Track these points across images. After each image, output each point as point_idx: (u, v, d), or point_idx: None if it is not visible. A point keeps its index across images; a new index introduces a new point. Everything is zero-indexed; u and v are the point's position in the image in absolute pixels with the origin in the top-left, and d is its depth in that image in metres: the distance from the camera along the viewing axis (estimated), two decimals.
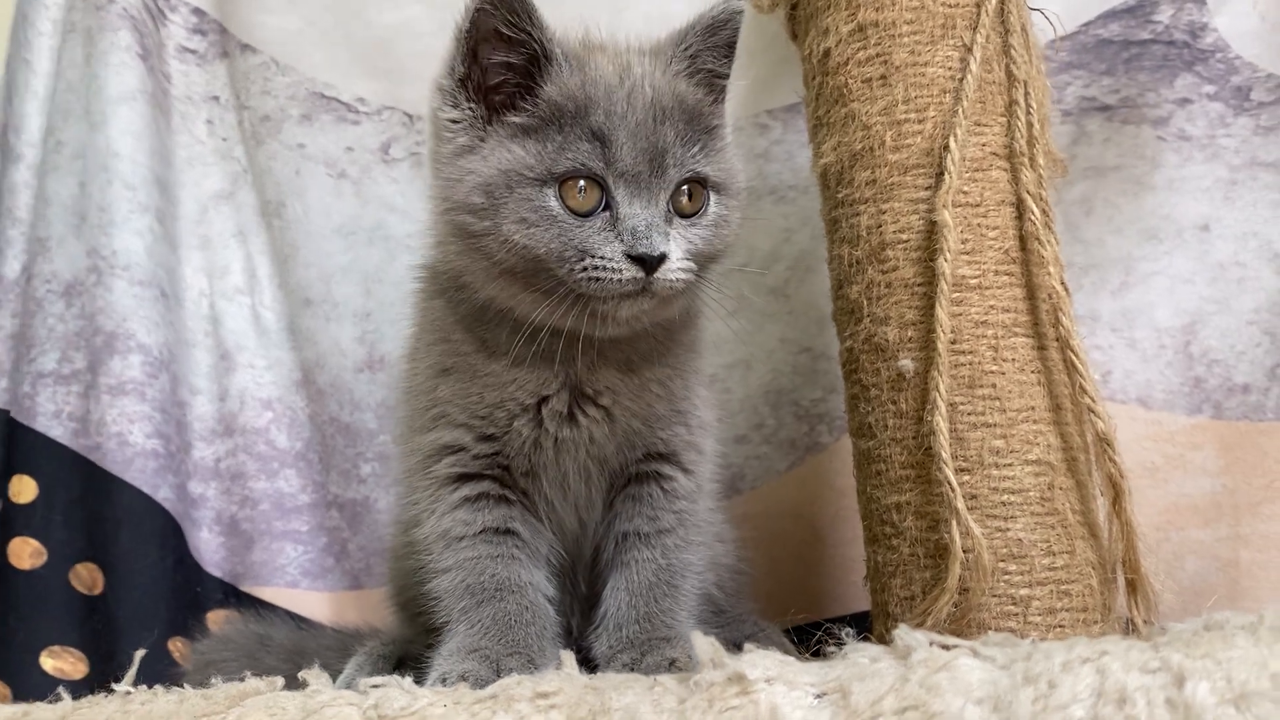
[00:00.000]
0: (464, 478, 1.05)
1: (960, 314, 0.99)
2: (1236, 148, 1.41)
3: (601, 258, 0.93)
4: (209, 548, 1.69)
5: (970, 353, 0.99)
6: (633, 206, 0.95)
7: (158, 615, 1.56)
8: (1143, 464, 1.36)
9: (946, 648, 0.71)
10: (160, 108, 1.72)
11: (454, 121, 0.99)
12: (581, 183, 0.95)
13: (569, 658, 0.86)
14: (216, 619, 1.67)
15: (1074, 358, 0.97)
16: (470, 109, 0.98)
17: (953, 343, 0.98)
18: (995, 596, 0.94)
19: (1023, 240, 1.01)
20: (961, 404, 0.98)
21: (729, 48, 1.03)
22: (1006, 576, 0.94)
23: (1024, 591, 0.94)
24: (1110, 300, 1.41)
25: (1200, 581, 1.35)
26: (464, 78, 0.98)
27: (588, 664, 0.95)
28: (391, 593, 1.29)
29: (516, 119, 0.97)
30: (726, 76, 1.04)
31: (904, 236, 1.02)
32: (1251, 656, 0.64)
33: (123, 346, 1.61)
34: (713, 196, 1.00)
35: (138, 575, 1.56)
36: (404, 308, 1.69)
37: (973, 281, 1.00)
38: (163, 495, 1.60)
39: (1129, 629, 0.97)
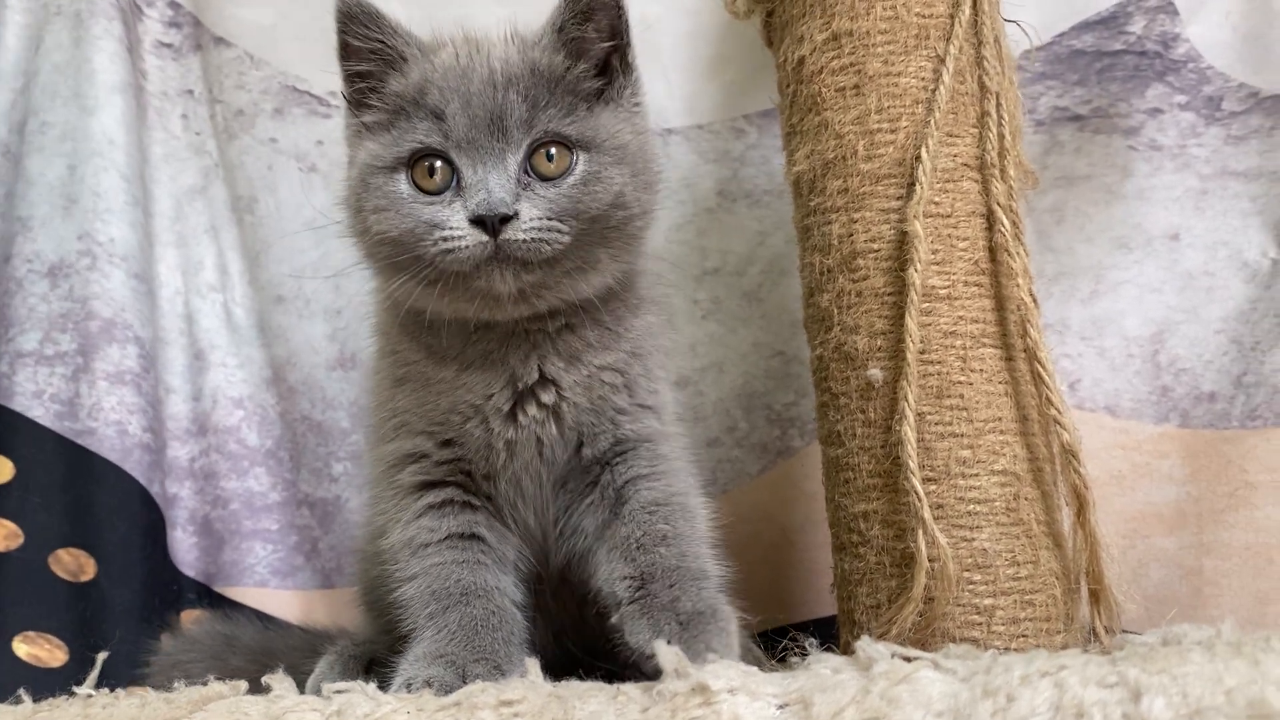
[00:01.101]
0: (428, 485, 1.05)
1: (929, 324, 0.99)
2: (1207, 157, 1.42)
3: (448, 228, 0.94)
4: (183, 548, 1.68)
5: (939, 363, 0.99)
6: (477, 173, 0.96)
7: (150, 607, 1.56)
8: (1110, 472, 1.37)
9: (908, 659, 0.72)
10: (138, 103, 1.72)
11: (348, 126, 1.06)
12: (429, 162, 0.98)
13: (534, 665, 0.86)
14: (190, 619, 1.67)
15: (1041, 369, 0.98)
16: (350, 116, 1.05)
17: (921, 353, 0.99)
18: (960, 606, 0.95)
19: (992, 251, 1.02)
20: (929, 414, 0.98)
21: (610, 19, 1.03)
22: (971, 586, 0.95)
23: (988, 601, 0.95)
24: (1080, 308, 1.43)
25: (1164, 589, 1.36)
26: (344, 91, 1.05)
27: (553, 671, 0.94)
28: (361, 592, 1.28)
29: (369, 117, 1.02)
30: (606, 44, 1.03)
31: (875, 246, 1.02)
32: (1207, 672, 0.65)
33: (121, 336, 1.61)
34: (581, 155, 0.99)
35: (134, 566, 1.55)
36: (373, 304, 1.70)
37: (942, 292, 1.00)
38: (155, 490, 1.61)
39: (1092, 638, 0.98)
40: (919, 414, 0.97)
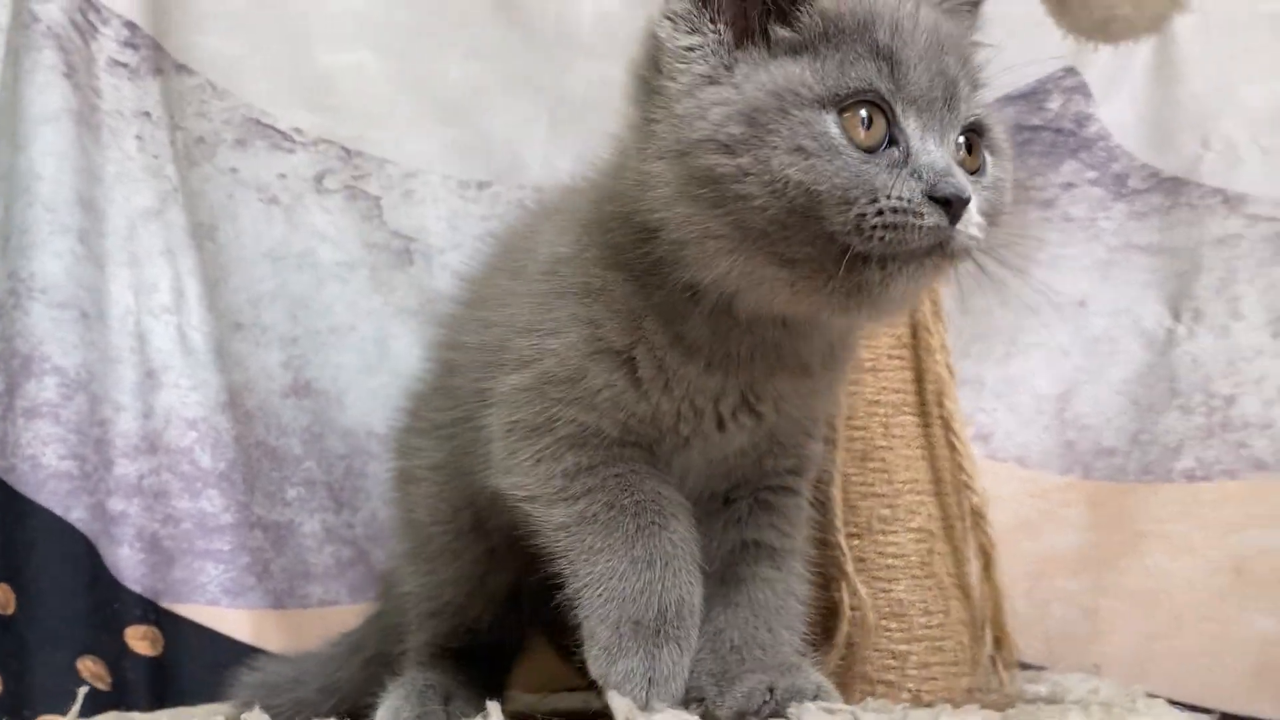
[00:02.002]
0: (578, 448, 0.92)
1: (856, 393, 1.10)
2: (1114, 230, 1.55)
3: (899, 198, 0.75)
4: (129, 564, 1.71)
5: (864, 429, 1.10)
6: (926, 142, 0.79)
7: (69, 635, 1.58)
8: (1019, 518, 1.49)
9: (832, 712, 0.82)
10: (88, 124, 1.73)
11: (690, 49, 0.82)
12: (864, 112, 0.79)
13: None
14: (135, 634, 1.71)
15: (955, 438, 1.09)
16: (715, 31, 0.82)
17: (849, 419, 1.09)
18: (878, 651, 1.05)
19: (914, 328, 1.13)
20: (854, 475, 1.09)
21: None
22: (888, 633, 1.06)
23: (903, 647, 1.06)
24: (995, 368, 1.55)
25: (1065, 626, 1.48)
26: None
27: None
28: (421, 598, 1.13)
29: (784, 32, 0.81)
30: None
31: None
32: None
33: (38, 369, 1.62)
34: (989, 156, 0.88)
35: (49, 596, 1.58)
36: (330, 335, 1.76)
37: (868, 364, 1.11)
38: (75, 516, 1.62)
39: (994, 680, 1.09)
40: (845, 475, 1.08)
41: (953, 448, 1.10)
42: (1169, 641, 1.46)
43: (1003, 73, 1.44)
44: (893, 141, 0.79)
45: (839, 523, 1.06)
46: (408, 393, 1.26)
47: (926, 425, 1.12)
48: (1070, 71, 1.56)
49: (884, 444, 1.10)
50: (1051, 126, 1.56)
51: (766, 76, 0.79)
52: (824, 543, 1.08)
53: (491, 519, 1.03)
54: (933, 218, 0.75)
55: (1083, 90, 1.55)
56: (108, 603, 1.66)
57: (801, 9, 0.81)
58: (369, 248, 1.77)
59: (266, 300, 1.76)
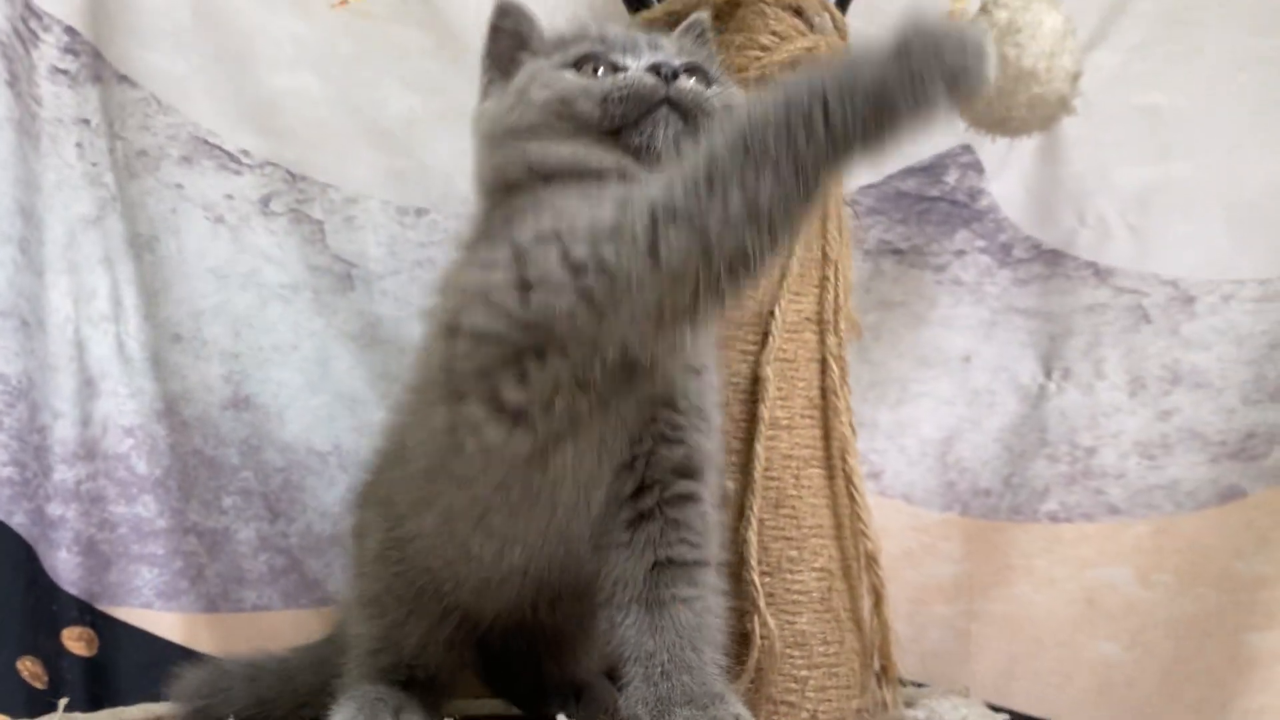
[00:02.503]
0: None
1: (773, 448, 1.23)
2: (998, 294, 1.69)
3: (624, 79, 1.01)
4: (66, 567, 1.75)
5: (777, 479, 1.23)
6: (640, 59, 1.05)
7: (9, 636, 1.62)
8: (903, 549, 1.64)
9: None
10: (28, 132, 1.75)
11: (490, 84, 1.15)
12: (589, 65, 1.05)
13: None
14: (71, 635, 1.76)
15: (855, 490, 1.24)
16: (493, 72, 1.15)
17: (766, 471, 1.23)
18: (782, 675, 1.19)
19: (824, 391, 1.27)
20: (767, 520, 1.22)
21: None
22: (791, 660, 1.19)
23: (804, 673, 1.20)
24: (888, 412, 1.68)
25: (940, 646, 1.62)
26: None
27: None
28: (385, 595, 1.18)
29: (526, 55, 1.12)
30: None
31: (735, 380, 1.26)
32: None
33: None
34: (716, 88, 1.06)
35: None
36: (272, 353, 1.83)
37: (784, 422, 1.25)
38: (16, 521, 1.66)
39: (879, 701, 1.24)
40: (760, 520, 1.22)
41: (852, 499, 1.25)
42: (1030, 663, 1.60)
43: (907, 145, 1.63)
44: (615, 69, 1.04)
45: (753, 563, 1.19)
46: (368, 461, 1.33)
47: (831, 478, 1.26)
48: (966, 149, 1.69)
49: (794, 493, 1.24)
50: (948, 198, 1.70)
51: (524, 70, 1.08)
52: (739, 578, 1.22)
53: (445, 584, 1.11)
54: (650, 79, 1.00)
55: (976, 167, 1.69)
56: (45, 605, 1.70)
57: (532, 39, 1.12)
58: (312, 270, 1.83)
59: (209, 315, 1.81)
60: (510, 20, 1.14)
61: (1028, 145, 1.67)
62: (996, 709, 1.34)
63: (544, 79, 1.04)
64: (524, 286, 0.91)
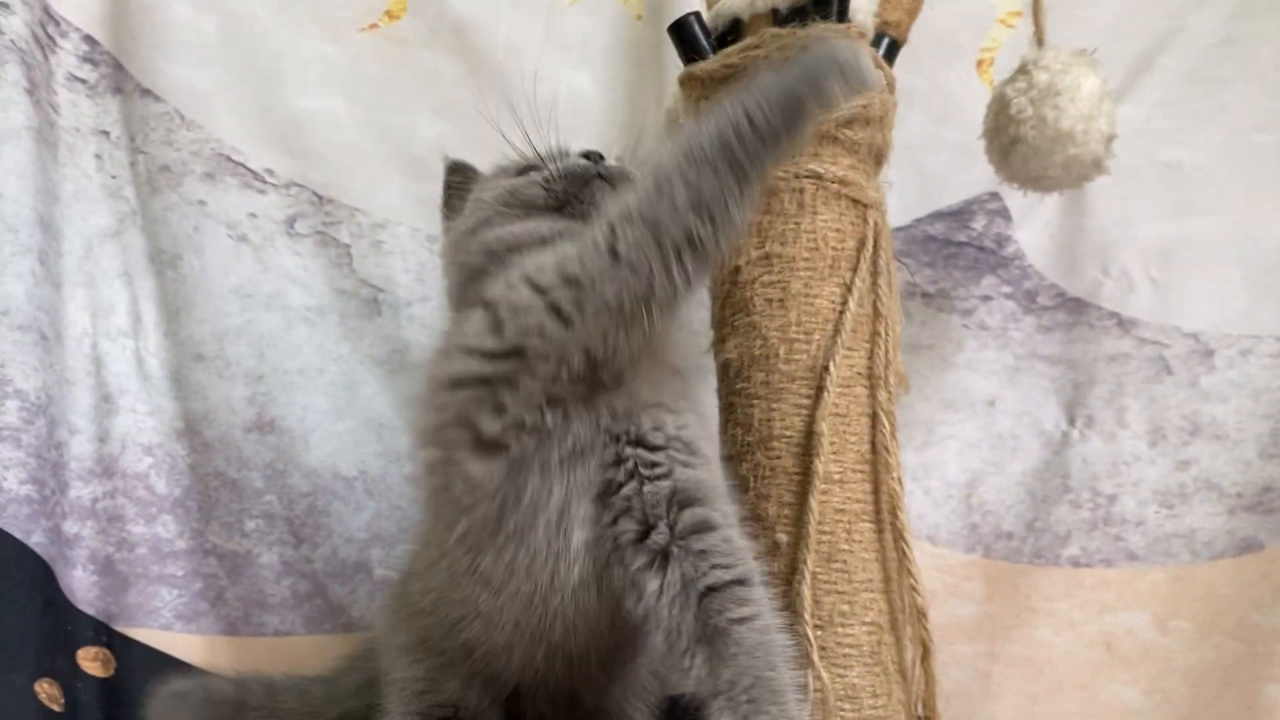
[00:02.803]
0: None
1: (825, 502, 1.25)
2: (1022, 340, 1.72)
3: (565, 166, 1.17)
4: (82, 586, 1.74)
5: (829, 533, 1.25)
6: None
7: (25, 657, 1.60)
8: (927, 589, 1.68)
9: None
10: (47, 141, 1.73)
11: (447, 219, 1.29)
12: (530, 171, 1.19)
13: None
14: (87, 655, 1.75)
15: (905, 545, 1.27)
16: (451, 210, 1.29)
17: (819, 525, 1.25)
18: None
19: (874, 446, 1.30)
20: (819, 573, 1.24)
21: None
22: (842, 712, 1.21)
23: None
24: (914, 454, 1.71)
25: (961, 686, 1.65)
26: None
27: None
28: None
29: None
30: None
31: (788, 433, 1.28)
32: None
33: (0, 393, 1.63)
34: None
35: (9, 619, 1.59)
36: (298, 376, 1.83)
37: (836, 476, 1.27)
38: (35, 540, 1.64)
39: None
40: (813, 573, 1.24)
41: (903, 554, 1.27)
42: (1049, 704, 1.64)
43: (936, 190, 1.66)
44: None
45: (807, 616, 1.22)
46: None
47: (880, 531, 1.28)
48: (994, 195, 1.73)
49: (846, 547, 1.26)
50: (975, 244, 1.74)
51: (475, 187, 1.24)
52: (792, 631, 1.25)
53: (467, 643, 1.17)
54: (583, 161, 1.15)
55: (1004, 214, 1.73)
56: (61, 625, 1.69)
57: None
58: (338, 294, 1.83)
59: (232, 335, 1.80)
60: (459, 176, 1.30)
61: (1054, 196, 1.70)
62: None
63: (493, 184, 1.19)
64: (496, 326, 1.01)
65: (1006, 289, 1.75)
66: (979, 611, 1.69)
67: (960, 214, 1.75)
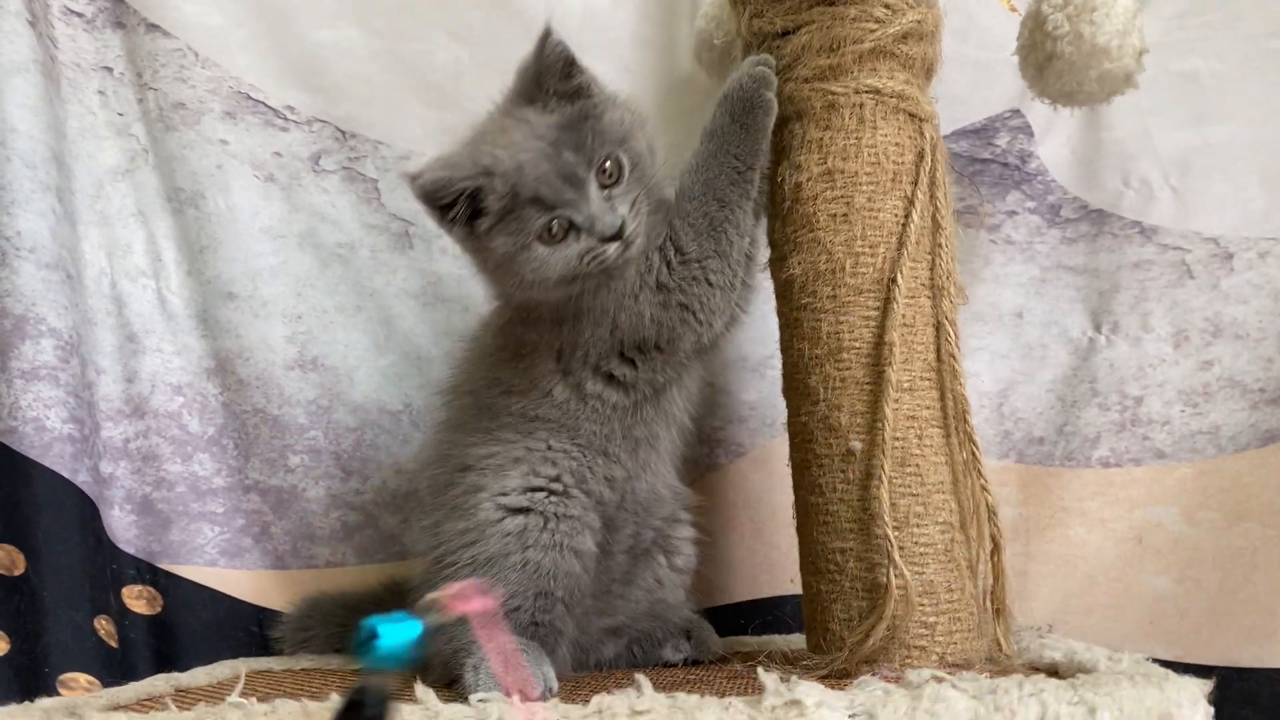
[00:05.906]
0: None
1: (897, 409, 1.30)
2: (1047, 253, 1.78)
3: (588, 255, 1.31)
4: (121, 525, 1.77)
5: (902, 439, 1.30)
6: (580, 209, 1.30)
7: (82, 595, 1.64)
8: None
9: (939, 679, 1.04)
10: (50, 76, 1.72)
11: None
12: (551, 233, 1.30)
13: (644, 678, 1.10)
14: (131, 594, 1.78)
15: (975, 450, 1.31)
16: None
17: (892, 431, 1.30)
18: (914, 622, 1.27)
19: (939, 354, 1.34)
20: (894, 478, 1.28)
21: (568, 65, 1.35)
22: (922, 607, 1.27)
23: (933, 619, 1.28)
24: None
25: None
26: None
27: None
28: None
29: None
30: (580, 80, 1.35)
31: (857, 344, 1.32)
32: (1134, 694, 1.01)
33: (34, 331, 1.64)
34: (624, 159, 1.33)
35: (61, 557, 1.62)
36: (337, 315, 1.84)
37: (905, 385, 1.31)
38: (81, 479, 1.66)
39: (995, 641, 1.32)
40: (890, 477, 1.28)
41: (972, 455, 1.32)
42: (1083, 598, 1.72)
43: (959, 108, 1.69)
44: (573, 225, 1.30)
45: (886, 518, 1.27)
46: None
47: (948, 435, 1.33)
48: (1015, 113, 1.77)
49: (918, 452, 1.30)
50: (999, 160, 1.78)
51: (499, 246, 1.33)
52: (869, 534, 1.30)
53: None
54: (612, 249, 1.31)
55: (1026, 130, 1.77)
56: (107, 563, 1.73)
57: (458, 203, 1.32)
58: (369, 229, 1.85)
59: (266, 275, 1.82)
60: (442, 196, 1.34)
61: (1072, 111, 1.72)
62: None
63: (530, 264, 1.31)
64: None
65: (1031, 204, 1.80)
66: (1014, 514, 1.76)
67: (983, 131, 1.79)
